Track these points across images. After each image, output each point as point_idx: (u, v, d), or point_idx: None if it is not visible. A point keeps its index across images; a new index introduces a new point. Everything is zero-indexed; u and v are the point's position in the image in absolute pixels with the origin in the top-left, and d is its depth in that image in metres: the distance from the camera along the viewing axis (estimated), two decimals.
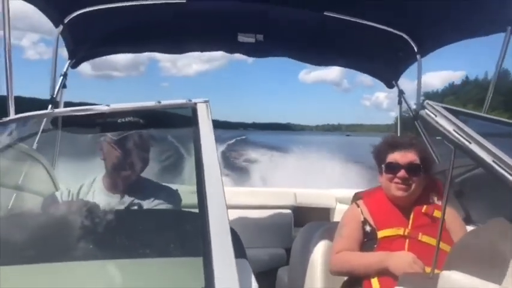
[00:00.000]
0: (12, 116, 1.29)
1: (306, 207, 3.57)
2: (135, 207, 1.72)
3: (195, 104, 1.16)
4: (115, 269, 0.95)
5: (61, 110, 1.26)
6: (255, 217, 3.35)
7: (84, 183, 1.80)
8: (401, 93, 3.20)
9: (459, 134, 1.12)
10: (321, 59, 3.37)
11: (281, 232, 3.35)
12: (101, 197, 1.75)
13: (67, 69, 2.89)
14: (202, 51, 3.34)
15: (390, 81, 3.28)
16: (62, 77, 2.82)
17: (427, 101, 1.24)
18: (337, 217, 3.48)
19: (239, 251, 1.11)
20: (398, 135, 3.28)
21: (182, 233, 1.02)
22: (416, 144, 1.97)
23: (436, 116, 1.19)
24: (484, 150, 1.06)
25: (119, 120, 1.48)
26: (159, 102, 1.21)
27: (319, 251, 2.17)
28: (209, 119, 1.12)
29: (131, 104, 1.28)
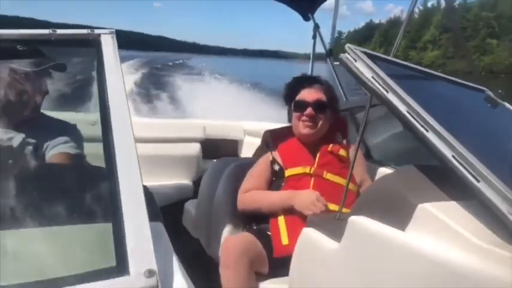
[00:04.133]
0: None
1: (215, 139, 3.54)
2: (30, 147, 1.47)
3: (99, 35, 0.95)
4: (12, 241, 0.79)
5: None
6: (162, 150, 3.21)
7: None
8: (316, 27, 3.13)
9: (377, 82, 1.08)
10: None
11: (189, 165, 3.28)
12: None
13: None
14: None
15: (306, 13, 3.17)
16: None
17: (348, 44, 1.18)
18: (245, 150, 3.50)
19: (153, 212, 1.00)
20: (310, 70, 3.27)
21: (89, 194, 0.86)
22: (322, 81, 2.04)
23: (355, 61, 1.14)
24: (400, 100, 1.04)
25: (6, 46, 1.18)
26: (54, 31, 0.98)
27: (227, 187, 2.14)
28: (116, 53, 0.93)
29: (18, 30, 1.02)
